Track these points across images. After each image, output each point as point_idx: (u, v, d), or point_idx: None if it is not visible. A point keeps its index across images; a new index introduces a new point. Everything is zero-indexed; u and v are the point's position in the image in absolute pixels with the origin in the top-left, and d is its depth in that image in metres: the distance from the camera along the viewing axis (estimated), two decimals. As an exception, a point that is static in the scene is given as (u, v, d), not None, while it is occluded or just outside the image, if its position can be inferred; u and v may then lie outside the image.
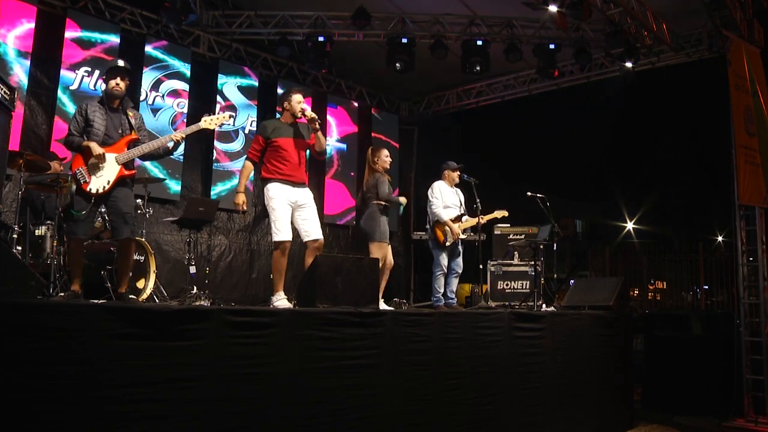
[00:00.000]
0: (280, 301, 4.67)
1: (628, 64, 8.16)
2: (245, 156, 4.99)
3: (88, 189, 4.10)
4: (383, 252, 5.72)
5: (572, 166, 17.42)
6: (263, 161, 4.91)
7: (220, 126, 4.63)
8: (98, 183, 4.13)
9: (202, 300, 5.67)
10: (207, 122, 4.50)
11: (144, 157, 4.49)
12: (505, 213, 6.92)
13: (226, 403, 3.14)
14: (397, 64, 8.27)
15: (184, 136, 4.41)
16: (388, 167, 6.08)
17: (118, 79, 4.28)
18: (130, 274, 5.35)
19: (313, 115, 4.88)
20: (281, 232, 4.79)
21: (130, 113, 4.37)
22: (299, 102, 4.92)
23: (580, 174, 18.51)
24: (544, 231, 7.23)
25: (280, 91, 9.29)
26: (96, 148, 4.09)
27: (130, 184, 4.35)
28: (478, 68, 8.39)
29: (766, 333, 6.66)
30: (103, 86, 4.35)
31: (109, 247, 5.42)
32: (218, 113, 4.61)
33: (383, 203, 5.87)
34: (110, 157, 4.16)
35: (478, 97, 10.44)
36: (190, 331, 3.06)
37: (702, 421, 6.74)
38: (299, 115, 4.88)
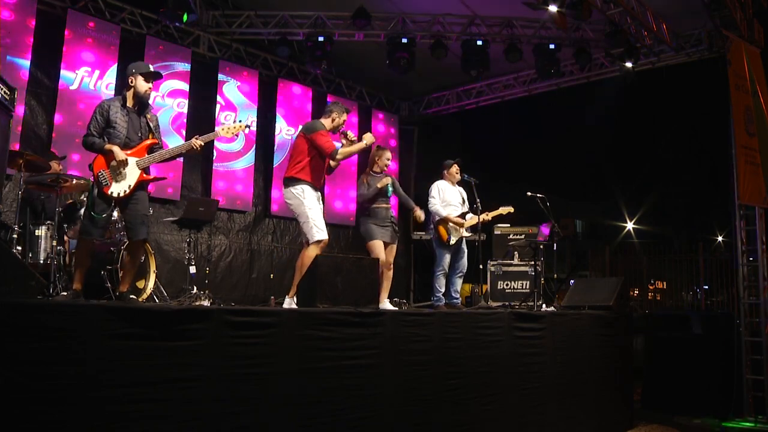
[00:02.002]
0: (291, 301, 4.70)
1: (628, 64, 8.16)
2: (336, 146, 5.06)
3: (109, 192, 4.08)
4: (374, 251, 5.66)
5: (572, 166, 17.44)
6: (302, 160, 5.00)
7: (236, 135, 4.65)
8: (119, 187, 4.11)
9: (202, 300, 5.68)
10: (224, 130, 4.53)
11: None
12: (511, 209, 6.92)
13: (226, 403, 3.14)
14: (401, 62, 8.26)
15: (203, 143, 4.37)
16: (385, 169, 6.10)
17: (152, 84, 4.31)
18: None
19: (354, 138, 5.19)
20: (322, 230, 4.90)
21: (148, 115, 4.36)
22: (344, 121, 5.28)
23: (580, 174, 18.52)
24: (543, 231, 7.24)
25: (279, 90, 9.32)
26: (120, 154, 4.06)
27: (147, 187, 4.35)
28: (474, 73, 8.41)
29: (766, 333, 6.66)
30: (131, 87, 4.27)
31: (109, 247, 5.42)
32: (234, 122, 4.61)
33: (372, 205, 5.87)
34: (131, 161, 4.14)
35: (478, 97, 10.44)
36: (190, 331, 3.06)
37: (702, 421, 6.75)
38: (338, 131, 5.18)
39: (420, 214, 6.09)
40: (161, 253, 7.48)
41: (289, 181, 4.99)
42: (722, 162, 7.37)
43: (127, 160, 4.10)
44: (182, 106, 8.17)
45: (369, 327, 3.92)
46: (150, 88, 4.29)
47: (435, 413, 4.25)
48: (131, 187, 4.14)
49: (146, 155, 4.23)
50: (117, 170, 4.10)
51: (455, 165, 6.64)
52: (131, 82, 4.26)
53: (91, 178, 4.21)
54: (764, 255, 6.95)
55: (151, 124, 4.34)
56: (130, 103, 4.26)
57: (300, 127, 5.43)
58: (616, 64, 8.54)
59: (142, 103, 4.30)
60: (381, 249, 5.68)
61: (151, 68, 4.38)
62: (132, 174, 4.15)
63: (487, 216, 6.52)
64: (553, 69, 8.47)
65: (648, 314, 9.13)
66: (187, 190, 8.14)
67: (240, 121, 4.62)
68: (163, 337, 2.95)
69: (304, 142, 5.07)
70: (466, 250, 6.56)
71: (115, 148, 4.08)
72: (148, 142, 4.29)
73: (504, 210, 6.89)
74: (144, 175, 4.20)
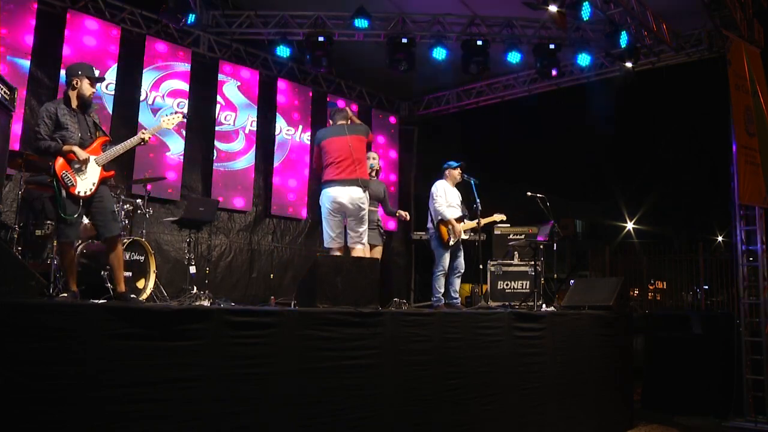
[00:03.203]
0: None
1: (628, 64, 8.16)
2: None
3: (76, 192, 4.13)
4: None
5: (572, 166, 17.44)
6: (364, 162, 5.37)
7: (178, 125, 4.81)
8: (84, 186, 4.18)
9: (202, 300, 5.67)
10: (166, 122, 4.70)
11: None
12: (503, 217, 6.95)
13: (226, 403, 3.14)
14: (402, 66, 8.25)
15: (150, 135, 4.51)
16: (371, 170, 6.14)
17: (96, 88, 4.41)
18: (129, 273, 5.38)
19: None
20: None
21: (91, 114, 4.43)
22: None
23: (580, 174, 18.52)
24: (543, 230, 7.23)
25: (279, 90, 9.32)
26: (82, 153, 4.15)
27: (108, 183, 4.44)
28: (476, 70, 8.39)
29: (766, 333, 6.66)
30: (75, 88, 4.30)
31: (109, 247, 5.41)
32: (174, 114, 4.79)
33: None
34: (90, 159, 4.22)
35: (478, 97, 10.44)
36: (190, 331, 3.06)
37: (702, 421, 6.74)
38: None
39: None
40: (161, 253, 7.48)
41: (365, 184, 5.23)
42: (722, 162, 7.36)
43: (89, 158, 4.17)
44: (182, 106, 8.17)
45: (369, 327, 3.92)
46: (94, 92, 4.37)
47: (435, 413, 4.25)
48: (95, 185, 4.22)
49: (102, 152, 4.31)
50: (80, 170, 4.16)
51: (459, 168, 6.64)
52: (76, 83, 4.30)
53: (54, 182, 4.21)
54: (764, 255, 6.95)
55: (96, 122, 4.42)
56: (74, 104, 4.30)
57: (354, 129, 5.43)
58: (616, 64, 8.54)
59: (85, 104, 4.35)
60: (368, 252, 5.74)
61: (97, 73, 4.43)
62: (93, 172, 4.23)
63: (479, 223, 6.50)
64: (553, 69, 8.47)
65: (648, 314, 9.12)
66: (187, 190, 8.13)
67: (177, 113, 4.74)
68: (163, 337, 2.95)
69: (364, 144, 5.32)
70: (462, 250, 6.57)
71: (76, 148, 4.14)
72: (102, 139, 4.37)
73: (497, 217, 6.93)
74: (104, 171, 4.28)
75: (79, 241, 5.05)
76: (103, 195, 4.29)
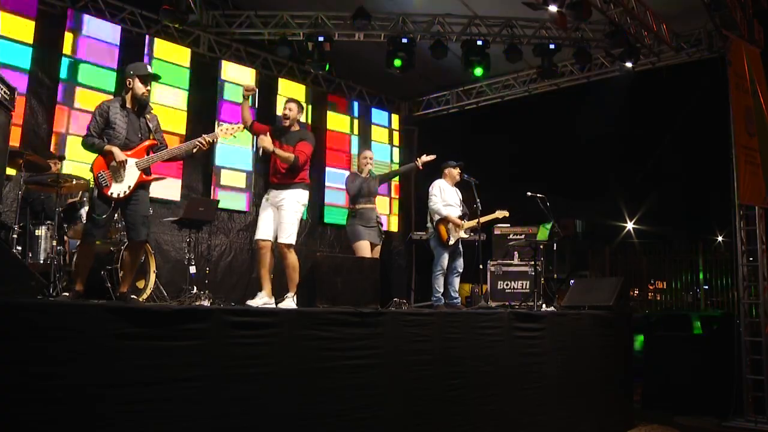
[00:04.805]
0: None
1: (628, 64, 8.16)
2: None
3: (109, 193, 4.08)
4: (360, 252, 5.85)
5: (572, 166, 17.41)
6: None
7: (234, 136, 4.68)
8: (119, 188, 4.11)
9: (202, 300, 5.67)
10: (223, 132, 4.55)
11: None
12: (506, 213, 6.93)
13: (226, 403, 3.14)
14: (396, 61, 8.22)
15: (211, 141, 4.38)
16: (366, 168, 6.14)
17: (149, 86, 4.31)
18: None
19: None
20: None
21: (148, 116, 4.35)
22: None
23: (580, 174, 18.49)
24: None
25: (279, 90, 9.32)
26: (119, 155, 4.06)
27: (147, 187, 4.33)
28: (479, 73, 8.39)
29: (766, 333, 6.66)
30: (129, 89, 4.25)
31: (109, 247, 5.42)
32: (231, 125, 4.64)
33: (356, 206, 6.04)
34: (131, 162, 4.14)
35: (478, 97, 10.45)
36: (190, 331, 3.06)
37: (702, 421, 6.74)
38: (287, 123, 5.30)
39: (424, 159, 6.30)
40: (161, 253, 7.48)
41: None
42: (722, 162, 7.36)
43: (126, 160, 4.10)
44: (182, 106, 8.17)
45: (369, 327, 3.92)
46: (147, 90, 4.29)
47: (435, 413, 4.25)
48: (131, 187, 4.14)
49: (146, 156, 4.23)
50: (117, 171, 4.10)
51: (458, 167, 6.64)
52: (129, 84, 4.25)
53: (91, 180, 4.20)
54: (764, 255, 6.95)
55: (150, 125, 4.34)
56: (129, 105, 4.25)
57: None
58: (616, 64, 8.54)
59: (140, 105, 4.29)
60: (367, 249, 5.74)
61: (149, 69, 4.35)
62: (132, 175, 4.15)
63: (480, 221, 6.49)
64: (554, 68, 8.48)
65: (648, 314, 9.13)
66: (187, 190, 8.14)
67: (234, 124, 4.61)
68: (163, 337, 2.95)
69: None
70: (462, 251, 6.57)
71: (115, 149, 4.08)
72: (148, 143, 4.28)
73: (500, 214, 6.91)
74: (144, 176, 4.20)
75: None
76: (140, 198, 4.20)
